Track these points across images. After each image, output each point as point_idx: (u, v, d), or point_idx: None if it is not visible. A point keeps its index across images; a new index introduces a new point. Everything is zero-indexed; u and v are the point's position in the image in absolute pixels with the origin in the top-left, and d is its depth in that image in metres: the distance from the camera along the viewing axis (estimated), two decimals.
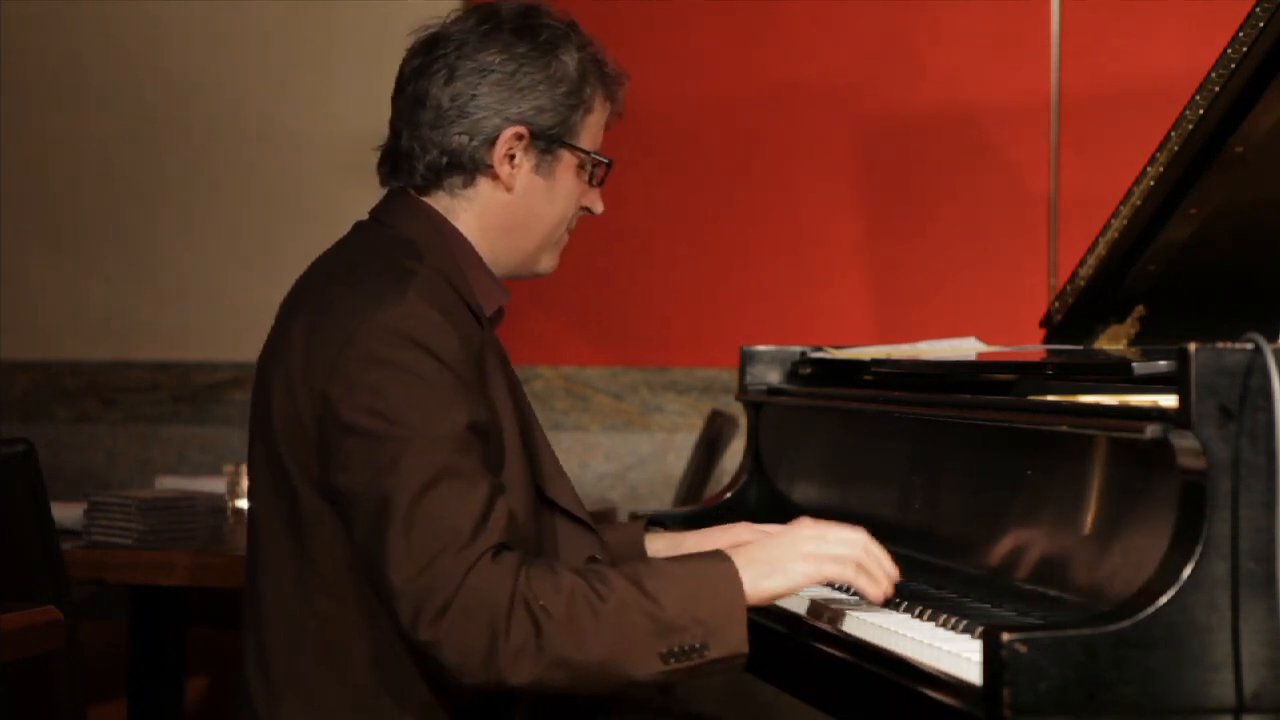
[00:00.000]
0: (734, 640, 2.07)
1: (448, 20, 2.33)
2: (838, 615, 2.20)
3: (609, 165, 2.36)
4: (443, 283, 2.22)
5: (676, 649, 2.05)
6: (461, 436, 2.10)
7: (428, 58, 2.30)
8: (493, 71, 2.27)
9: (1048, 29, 4.20)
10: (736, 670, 2.11)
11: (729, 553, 2.13)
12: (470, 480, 2.09)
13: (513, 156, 2.29)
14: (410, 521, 2.05)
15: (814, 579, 2.15)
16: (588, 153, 2.33)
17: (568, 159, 2.32)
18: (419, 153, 2.29)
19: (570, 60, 2.30)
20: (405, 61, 2.33)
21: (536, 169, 2.30)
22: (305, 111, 4.74)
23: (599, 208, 2.38)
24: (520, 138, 2.28)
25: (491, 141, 2.28)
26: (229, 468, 3.61)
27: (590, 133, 2.33)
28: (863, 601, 2.24)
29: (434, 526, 2.05)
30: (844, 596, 2.33)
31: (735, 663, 2.08)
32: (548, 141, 2.30)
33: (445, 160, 2.28)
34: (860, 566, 2.16)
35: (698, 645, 2.05)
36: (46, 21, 4.90)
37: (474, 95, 2.27)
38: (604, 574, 2.08)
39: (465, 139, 2.27)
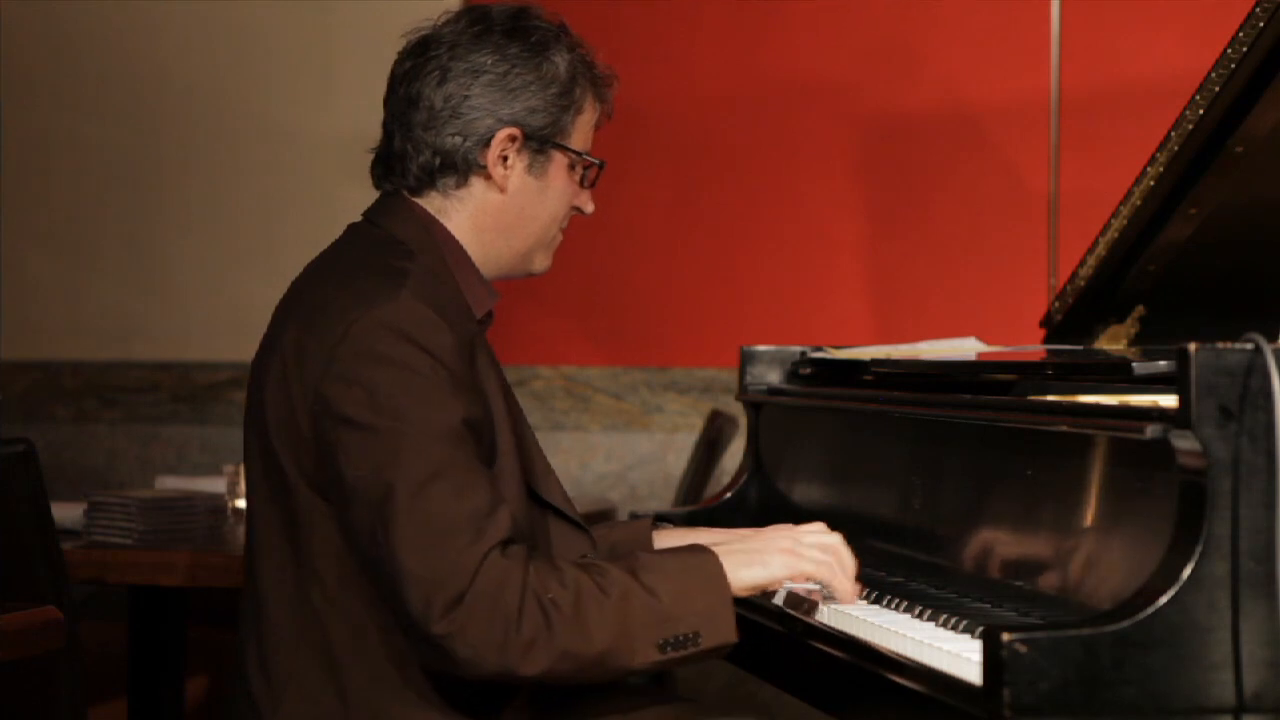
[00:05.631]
0: (724, 629, 2.15)
1: (439, 22, 2.35)
2: (838, 615, 2.20)
3: (600, 166, 2.38)
4: (435, 281, 2.23)
5: (672, 638, 2.12)
6: (458, 432, 2.12)
7: (420, 59, 2.32)
8: (485, 73, 2.29)
9: (1048, 29, 4.20)
10: (721, 657, 2.19)
11: (710, 546, 2.21)
12: (471, 474, 2.11)
13: (506, 158, 2.31)
14: (416, 516, 2.07)
15: (792, 571, 2.22)
16: (579, 154, 2.35)
17: (559, 160, 2.34)
18: (412, 154, 2.31)
19: (561, 61, 2.32)
20: (397, 64, 2.35)
21: (529, 170, 2.32)
22: (305, 111, 4.74)
23: (590, 208, 2.41)
24: (514, 139, 2.30)
25: (485, 142, 2.30)
26: (229, 468, 3.61)
27: (581, 133, 2.36)
28: (864, 601, 2.25)
29: (440, 521, 2.07)
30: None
31: (723, 651, 2.16)
32: (540, 142, 2.32)
33: (438, 161, 2.30)
34: (834, 566, 2.23)
35: (691, 634, 2.13)
36: (46, 22, 4.90)
37: (466, 96, 2.29)
38: (603, 568, 2.13)
39: (459, 140, 2.29)
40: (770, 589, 2.25)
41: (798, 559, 2.22)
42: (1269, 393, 1.81)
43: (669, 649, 2.12)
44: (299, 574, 2.20)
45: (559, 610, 2.06)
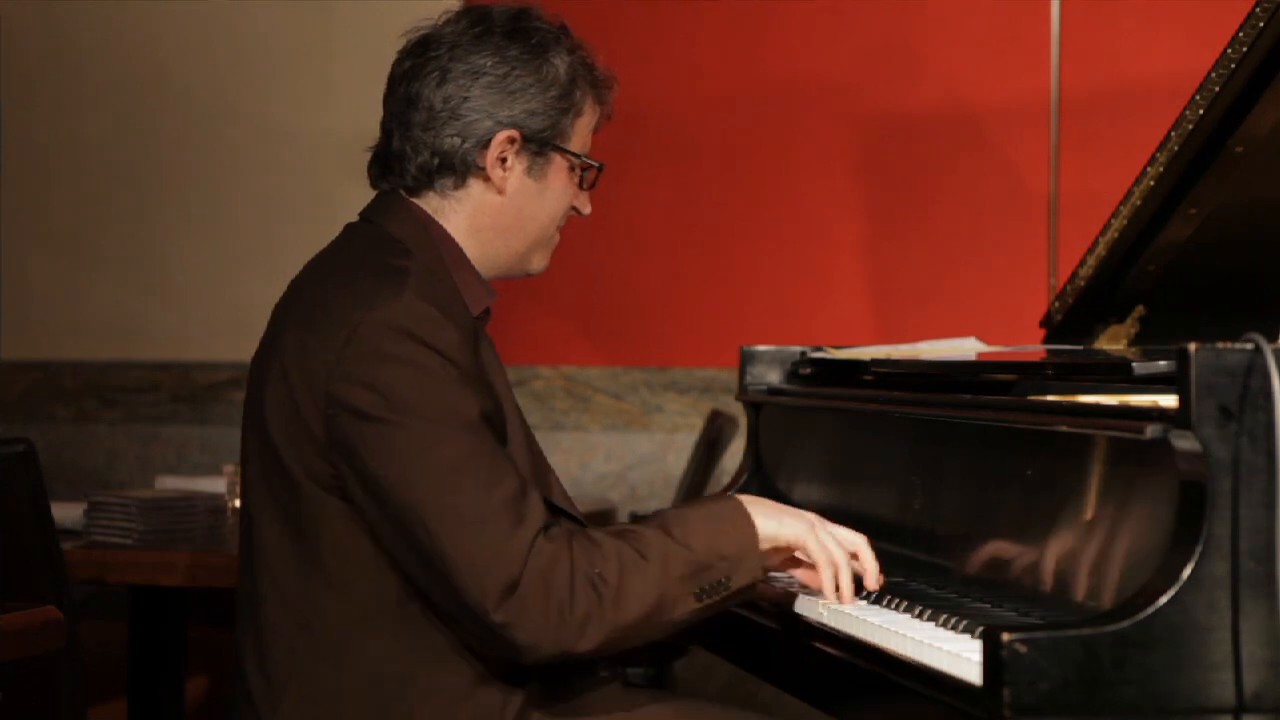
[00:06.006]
0: (754, 568, 2.20)
1: (439, 22, 2.34)
2: (838, 615, 2.20)
3: (600, 169, 2.37)
4: (433, 279, 2.24)
5: (707, 586, 2.17)
6: (476, 424, 2.14)
7: (419, 60, 2.32)
8: (485, 74, 2.29)
9: (1048, 29, 4.20)
10: (749, 598, 2.25)
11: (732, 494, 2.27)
12: (498, 462, 2.13)
13: (504, 159, 2.31)
14: (454, 510, 2.09)
15: (802, 541, 2.23)
16: (578, 156, 2.35)
17: (559, 162, 2.34)
18: (410, 154, 2.31)
19: (561, 63, 2.32)
20: (396, 63, 2.35)
21: (528, 172, 2.32)
22: (305, 111, 4.74)
23: (587, 209, 2.41)
24: (513, 141, 2.30)
25: (484, 144, 2.29)
26: (229, 468, 3.61)
27: (580, 135, 2.36)
28: (864, 601, 2.25)
29: (479, 511, 2.09)
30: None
31: (750, 590, 2.22)
32: (539, 145, 2.31)
33: (437, 162, 2.30)
34: (837, 569, 2.23)
35: (723, 579, 2.18)
36: (46, 22, 4.90)
37: (466, 98, 2.29)
38: (637, 532, 2.18)
39: (457, 141, 2.29)
40: (778, 547, 2.24)
41: (811, 533, 2.23)
42: (1269, 393, 1.81)
43: (705, 596, 2.17)
44: (302, 573, 2.19)
45: (606, 584, 2.11)
